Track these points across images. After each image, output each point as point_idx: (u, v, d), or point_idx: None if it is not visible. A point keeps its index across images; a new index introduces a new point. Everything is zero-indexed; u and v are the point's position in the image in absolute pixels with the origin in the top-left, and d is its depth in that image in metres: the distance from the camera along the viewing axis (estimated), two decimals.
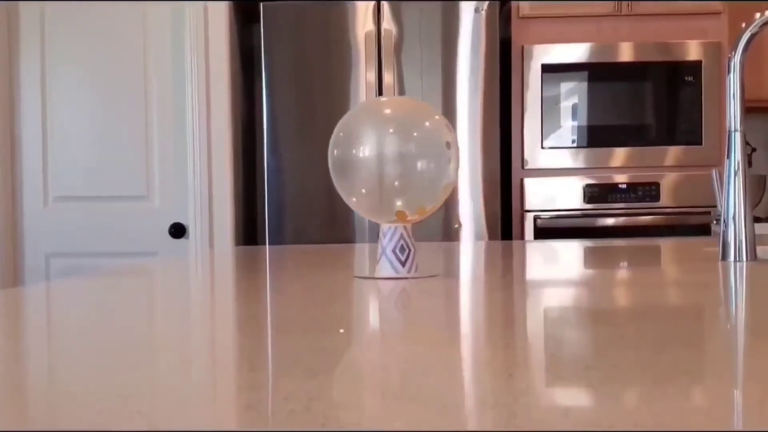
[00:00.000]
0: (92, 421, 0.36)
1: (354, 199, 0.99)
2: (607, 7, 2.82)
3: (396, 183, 0.96)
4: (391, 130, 0.97)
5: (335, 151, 0.99)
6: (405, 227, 1.00)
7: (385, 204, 0.97)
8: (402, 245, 0.99)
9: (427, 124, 0.98)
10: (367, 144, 0.96)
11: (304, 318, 0.67)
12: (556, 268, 1.13)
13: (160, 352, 0.54)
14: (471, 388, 0.41)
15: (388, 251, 0.99)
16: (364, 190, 0.97)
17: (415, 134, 0.97)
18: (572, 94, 2.84)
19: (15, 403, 0.40)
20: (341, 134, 0.99)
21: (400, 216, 0.98)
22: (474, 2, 2.73)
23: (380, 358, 0.50)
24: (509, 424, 0.33)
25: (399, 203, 0.97)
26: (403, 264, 0.99)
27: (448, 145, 0.98)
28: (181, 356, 0.52)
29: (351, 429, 0.34)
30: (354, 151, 0.97)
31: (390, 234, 0.99)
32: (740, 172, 1.24)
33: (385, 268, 0.99)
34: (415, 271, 1.01)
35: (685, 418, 0.34)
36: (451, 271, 1.11)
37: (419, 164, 0.96)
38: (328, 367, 0.47)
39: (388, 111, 1.00)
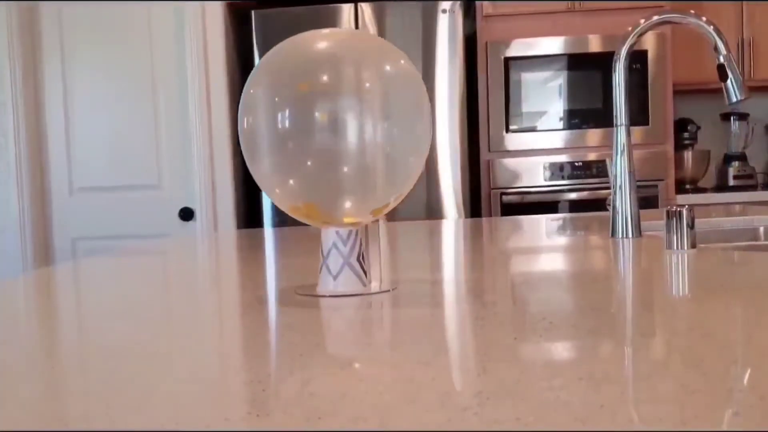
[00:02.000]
0: (93, 418, 0.36)
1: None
2: (562, 5, 3.12)
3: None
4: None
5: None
6: None
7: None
8: None
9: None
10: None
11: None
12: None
13: (158, 348, 0.53)
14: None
15: None
16: None
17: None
18: (532, 84, 3.15)
19: (15, 400, 0.40)
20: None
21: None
22: (447, 2, 3.02)
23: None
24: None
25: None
26: None
27: None
28: (181, 351, 0.52)
29: (350, 426, 0.33)
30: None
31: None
32: (626, 165, 1.55)
33: None
34: None
35: None
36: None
37: None
38: (324, 358, 0.47)
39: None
